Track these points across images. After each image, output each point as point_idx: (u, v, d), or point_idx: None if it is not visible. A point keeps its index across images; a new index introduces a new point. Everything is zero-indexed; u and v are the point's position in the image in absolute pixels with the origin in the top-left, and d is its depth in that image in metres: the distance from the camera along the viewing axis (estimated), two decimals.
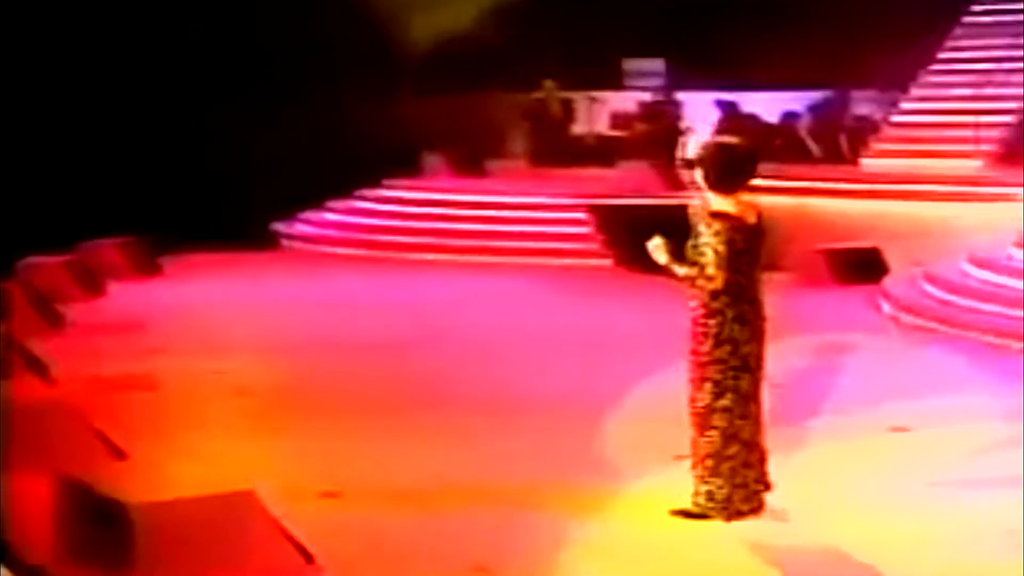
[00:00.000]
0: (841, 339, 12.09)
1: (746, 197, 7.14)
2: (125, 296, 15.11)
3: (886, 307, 13.30)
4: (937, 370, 11.08)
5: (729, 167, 7.08)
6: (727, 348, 6.98)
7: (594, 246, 17.12)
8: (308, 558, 5.82)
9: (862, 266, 14.77)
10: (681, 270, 6.96)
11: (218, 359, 11.38)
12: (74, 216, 17.43)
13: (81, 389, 9.96)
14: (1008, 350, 11.44)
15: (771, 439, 7.54)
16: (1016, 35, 18.82)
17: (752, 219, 7.04)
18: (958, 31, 19.40)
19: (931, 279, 13.46)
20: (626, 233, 17.07)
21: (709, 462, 6.99)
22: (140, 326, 13.15)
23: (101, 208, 18.41)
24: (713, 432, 6.99)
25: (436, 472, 8.06)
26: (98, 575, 5.79)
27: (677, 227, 19.38)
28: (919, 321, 12.65)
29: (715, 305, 6.96)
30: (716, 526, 6.98)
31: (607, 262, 16.74)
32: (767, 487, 7.14)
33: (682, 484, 7.20)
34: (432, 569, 6.40)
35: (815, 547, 6.84)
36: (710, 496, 6.98)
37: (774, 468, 7.38)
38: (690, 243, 7.08)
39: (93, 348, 12.08)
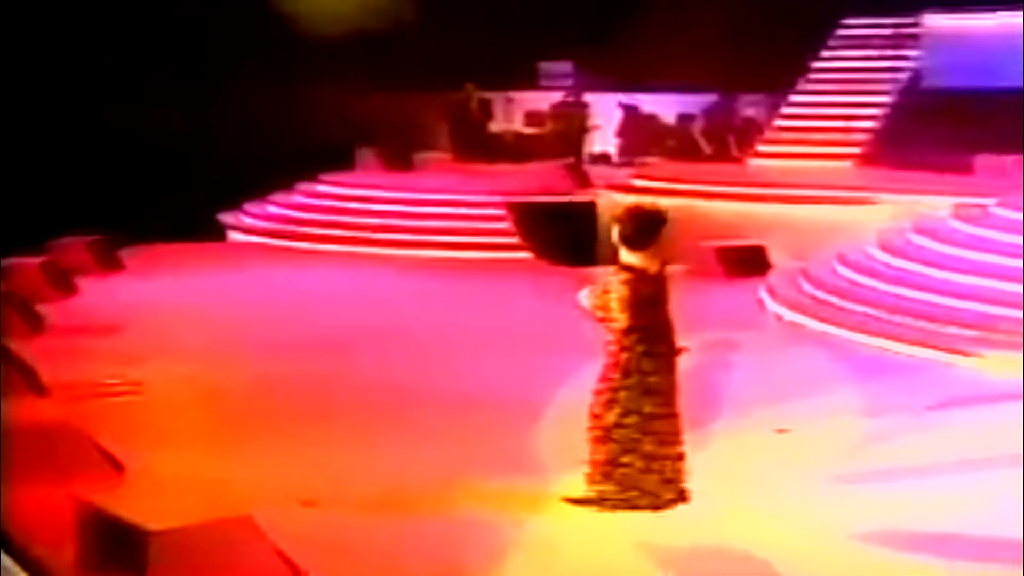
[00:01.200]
0: (729, 336, 12.23)
1: (653, 250, 7.59)
2: (95, 294, 15.00)
3: (769, 303, 13.58)
4: (813, 368, 11.29)
5: (639, 229, 7.57)
6: (635, 379, 7.54)
7: (516, 240, 17.43)
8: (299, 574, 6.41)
9: (749, 262, 15.22)
10: (599, 313, 7.61)
11: (191, 362, 11.49)
12: (23, 215, 17.18)
13: (70, 398, 9.95)
14: (872, 347, 11.76)
15: None
16: (883, 47, 19.64)
17: (655, 269, 7.56)
18: (832, 42, 19.93)
19: (807, 277, 13.76)
20: (542, 228, 17.65)
21: (607, 468, 7.56)
22: (115, 328, 12.93)
23: (49, 206, 18.43)
24: (613, 445, 7.53)
25: (403, 476, 8.29)
26: None
27: (585, 222, 19.93)
28: (798, 317, 12.89)
29: (626, 342, 7.52)
30: (641, 525, 7.43)
31: (528, 255, 17.14)
32: (682, 493, 7.68)
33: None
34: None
35: (709, 543, 7.25)
36: (603, 496, 7.55)
37: None
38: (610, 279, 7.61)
39: (75, 352, 11.85)
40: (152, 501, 6.94)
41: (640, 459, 7.57)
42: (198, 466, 8.56)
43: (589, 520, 7.59)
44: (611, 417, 7.55)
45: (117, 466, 8.50)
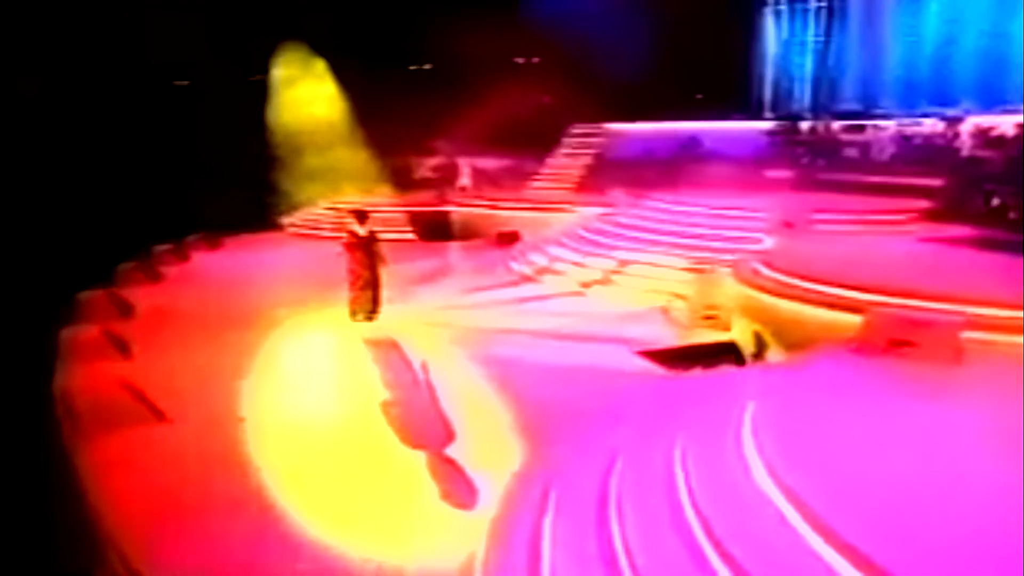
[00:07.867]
0: (487, 274, 12.24)
1: (363, 225, 8.62)
2: (200, 262, 14.13)
3: (512, 260, 13.43)
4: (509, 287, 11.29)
5: (358, 217, 8.76)
6: (353, 274, 8.71)
7: (410, 228, 17.05)
8: None
9: (511, 239, 15.12)
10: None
11: (234, 303, 10.24)
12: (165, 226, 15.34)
13: (162, 321, 9.42)
14: (551, 283, 11.65)
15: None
16: (587, 136, 19.50)
17: (363, 233, 8.66)
18: (567, 140, 19.93)
19: (528, 247, 13.72)
20: (423, 223, 17.41)
21: (351, 306, 8.72)
22: (204, 279, 12.35)
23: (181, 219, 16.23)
24: (351, 298, 8.68)
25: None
26: None
27: (444, 221, 19.53)
28: (526, 270, 12.59)
29: (347, 258, 8.71)
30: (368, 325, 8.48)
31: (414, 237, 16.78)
32: (376, 312, 8.67)
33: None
34: None
35: (400, 333, 8.26)
36: (354, 312, 8.93)
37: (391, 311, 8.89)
38: None
39: (177, 294, 11.23)
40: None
41: (358, 303, 8.72)
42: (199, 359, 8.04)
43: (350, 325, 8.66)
44: (348, 286, 8.74)
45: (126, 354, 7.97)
